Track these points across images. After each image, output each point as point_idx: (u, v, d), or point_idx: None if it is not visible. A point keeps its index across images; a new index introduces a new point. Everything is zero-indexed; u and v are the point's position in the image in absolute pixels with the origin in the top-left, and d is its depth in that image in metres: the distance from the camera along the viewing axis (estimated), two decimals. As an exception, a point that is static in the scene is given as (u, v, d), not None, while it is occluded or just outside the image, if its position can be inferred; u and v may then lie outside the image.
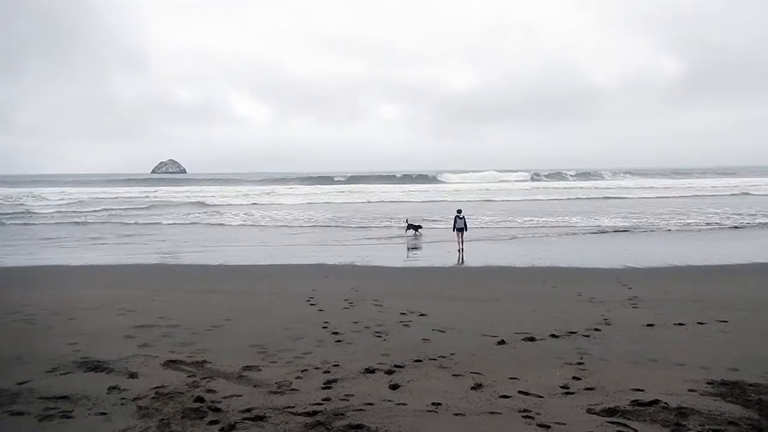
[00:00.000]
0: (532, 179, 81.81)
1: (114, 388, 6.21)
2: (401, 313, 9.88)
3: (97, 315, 10.13)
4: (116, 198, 52.26)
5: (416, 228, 24.19)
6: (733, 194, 45.89)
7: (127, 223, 31.15)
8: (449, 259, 17.68)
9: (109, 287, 13.04)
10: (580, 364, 6.97)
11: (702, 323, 8.94)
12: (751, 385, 6.07)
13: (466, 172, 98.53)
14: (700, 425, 5.06)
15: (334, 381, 6.38)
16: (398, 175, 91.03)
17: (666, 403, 5.54)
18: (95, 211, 39.42)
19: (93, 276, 15.42)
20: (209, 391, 6.10)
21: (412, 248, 20.72)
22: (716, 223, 26.74)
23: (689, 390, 5.94)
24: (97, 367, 6.96)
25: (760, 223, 26.39)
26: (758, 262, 15.85)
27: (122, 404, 5.76)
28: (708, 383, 6.15)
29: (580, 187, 60.48)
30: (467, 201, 43.65)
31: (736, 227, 25.28)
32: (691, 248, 19.67)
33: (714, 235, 23.30)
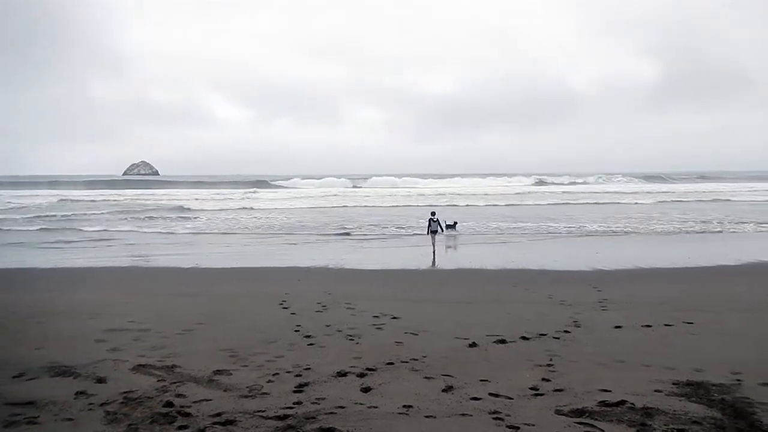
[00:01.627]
0: (537, 184, 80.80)
1: (81, 393, 6.09)
2: (374, 316, 9.89)
3: (66, 319, 9.92)
4: (83, 201, 51.20)
5: (452, 226, 25.34)
6: (700, 200, 46.94)
7: (89, 230, 30.53)
8: (423, 261, 17.77)
9: (80, 291, 12.80)
10: (549, 365, 7.06)
11: (669, 325, 9.13)
12: (714, 385, 6.22)
13: (452, 176, 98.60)
14: (664, 425, 5.17)
15: (306, 384, 6.36)
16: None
17: (632, 403, 5.65)
18: (65, 214, 38.59)
19: (63, 279, 15.10)
20: (179, 395, 6.02)
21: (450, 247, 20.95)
22: (685, 227, 27.37)
23: (655, 390, 6.06)
24: (64, 371, 6.81)
25: (725, 228, 27.10)
26: (723, 264, 16.28)
27: (90, 410, 5.66)
28: (673, 384, 6.28)
29: (564, 192, 61.08)
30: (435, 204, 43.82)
31: (703, 232, 25.93)
32: (660, 252, 20.12)
33: (681, 239, 23.87)
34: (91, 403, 5.81)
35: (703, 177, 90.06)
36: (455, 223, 25.96)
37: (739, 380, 6.34)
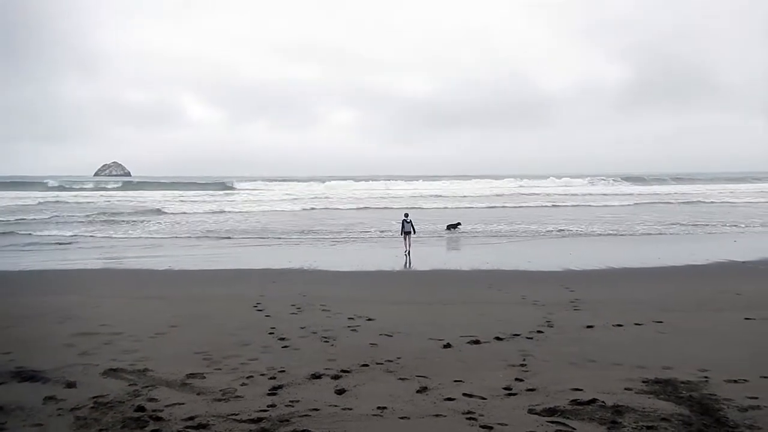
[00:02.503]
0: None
1: (50, 398, 5.97)
2: (349, 318, 9.89)
3: (34, 323, 9.70)
4: (51, 202, 50.04)
5: (455, 226, 26.28)
6: (668, 202, 47.73)
7: (57, 233, 29.90)
8: (398, 263, 17.84)
9: (48, 294, 12.51)
10: (522, 365, 7.15)
11: (639, 324, 9.32)
12: (682, 382, 6.37)
13: (434, 178, 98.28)
14: (634, 422, 5.28)
15: (280, 387, 6.33)
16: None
17: (603, 401, 5.76)
18: (34, 217, 37.69)
19: (30, 282, 14.76)
20: (151, 399, 5.94)
21: (453, 248, 20.92)
22: (654, 229, 27.93)
23: (625, 389, 6.18)
24: (32, 377, 6.66)
25: (695, 230, 27.75)
26: (691, 264, 16.68)
27: (59, 415, 5.55)
28: (643, 382, 6.42)
29: (549, 194, 61.29)
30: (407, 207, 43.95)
31: (674, 234, 26.50)
32: (631, 252, 20.49)
33: (653, 239, 24.35)
34: (60, 408, 5.70)
35: (677, 179, 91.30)
36: (458, 223, 26.94)
37: (706, 377, 6.51)
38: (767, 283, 13.63)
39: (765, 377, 6.50)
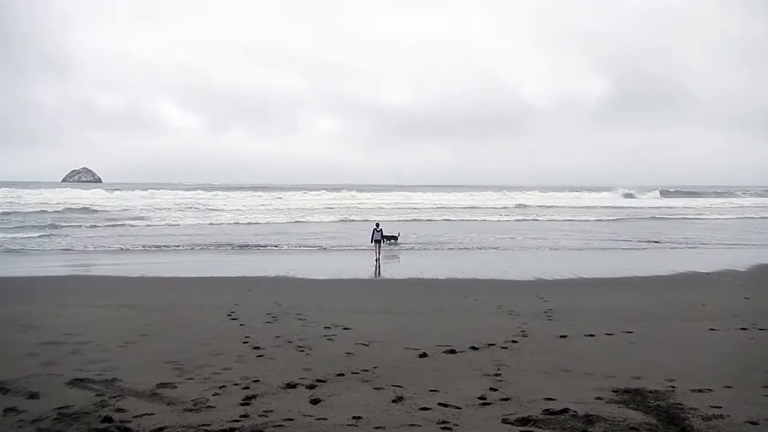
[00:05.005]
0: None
1: (11, 409, 5.77)
2: (325, 327, 9.82)
3: (-5, 331, 9.37)
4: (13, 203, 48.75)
5: (393, 238, 24.76)
6: (640, 218, 48.37)
7: (20, 236, 29.09)
8: (373, 272, 17.83)
9: (8, 302, 12.09)
10: (497, 375, 7.19)
11: (610, 334, 9.47)
12: (650, 392, 6.49)
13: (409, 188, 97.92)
14: (604, 431, 5.35)
15: (254, 397, 6.23)
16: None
17: (575, 411, 5.82)
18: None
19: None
20: (119, 410, 5.79)
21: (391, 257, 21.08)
22: (623, 241, 28.50)
23: (596, 398, 6.27)
24: (-8, 387, 6.42)
25: (663, 243, 28.40)
26: (659, 275, 17.05)
27: (20, 427, 5.37)
28: (613, 391, 6.52)
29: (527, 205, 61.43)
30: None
31: (645, 248, 27.07)
32: (602, 264, 20.88)
33: (625, 252, 24.86)
34: (21, 420, 5.51)
35: (663, 192, 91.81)
36: (396, 236, 25.63)
37: (673, 387, 6.64)
38: (731, 294, 13.98)
39: (728, 387, 6.66)
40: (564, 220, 41.84)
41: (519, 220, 41.69)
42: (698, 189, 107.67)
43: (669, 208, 58.83)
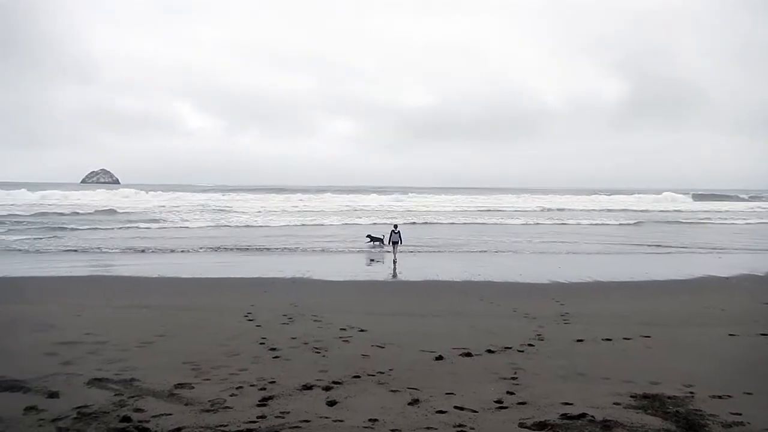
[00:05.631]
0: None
1: (31, 408, 5.84)
2: (341, 329, 9.83)
3: (13, 331, 9.51)
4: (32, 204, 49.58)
5: (379, 240, 24.95)
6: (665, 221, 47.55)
7: (41, 237, 29.50)
8: (389, 273, 17.84)
9: (28, 302, 12.29)
10: (514, 378, 7.15)
11: (627, 339, 9.37)
12: (669, 397, 6.40)
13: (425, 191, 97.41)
14: (623, 437, 5.30)
15: (270, 398, 6.26)
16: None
17: (592, 416, 5.77)
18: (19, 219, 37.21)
19: (9, 289, 14.47)
20: (137, 410, 5.85)
21: (375, 260, 21.21)
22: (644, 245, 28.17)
23: (614, 403, 6.20)
24: (12, 386, 6.51)
25: (677, 246, 28.05)
26: (677, 279, 16.83)
27: (40, 426, 5.43)
28: (631, 396, 6.44)
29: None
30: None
31: (664, 252, 26.75)
32: (619, 267, 20.66)
33: (643, 256, 24.58)
34: (41, 419, 5.58)
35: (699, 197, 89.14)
36: (381, 238, 25.49)
37: (692, 393, 6.55)
38: (750, 299, 13.76)
39: (749, 393, 6.55)
40: (590, 224, 40.84)
41: (537, 224, 41.41)
42: (723, 192, 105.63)
43: (692, 212, 57.78)
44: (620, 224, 41.53)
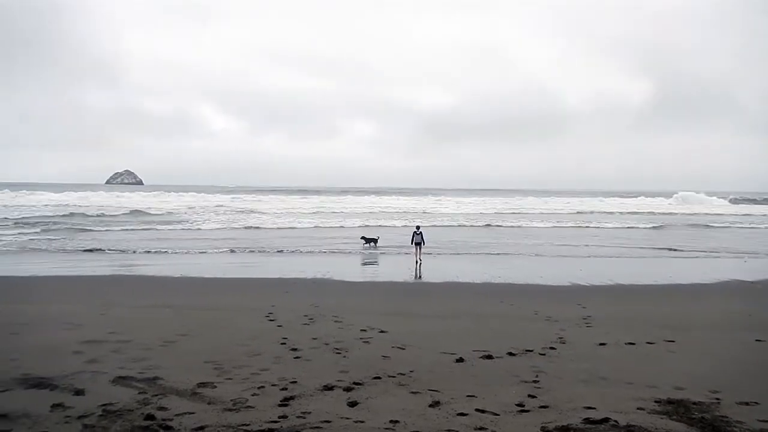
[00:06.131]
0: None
1: (58, 405, 5.94)
2: (361, 330, 9.85)
3: (40, 330, 9.68)
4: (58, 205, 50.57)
5: (373, 241, 25.57)
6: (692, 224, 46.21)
7: (66, 238, 30.04)
8: (410, 274, 17.84)
9: (55, 301, 12.53)
10: (535, 382, 7.08)
11: (651, 343, 9.22)
12: (695, 403, 6.28)
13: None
14: (647, 443, 5.21)
15: (292, 398, 6.28)
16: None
17: (616, 421, 5.68)
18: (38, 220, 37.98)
19: (37, 288, 14.79)
20: (161, 408, 5.91)
21: (370, 262, 21.04)
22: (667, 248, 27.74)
23: (638, 408, 6.10)
24: (39, 383, 6.63)
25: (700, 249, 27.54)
26: (701, 283, 16.53)
27: (66, 422, 5.52)
28: (655, 401, 6.33)
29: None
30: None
31: (683, 256, 26.31)
32: (641, 270, 20.35)
33: (662, 259, 24.20)
34: (68, 416, 5.66)
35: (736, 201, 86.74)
36: (376, 239, 26.13)
37: (717, 399, 6.42)
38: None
39: (777, 400, 6.40)
40: (614, 227, 40.02)
41: (558, 226, 41.01)
42: (759, 195, 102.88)
43: (717, 215, 56.48)
44: (652, 227, 40.57)
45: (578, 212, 57.10)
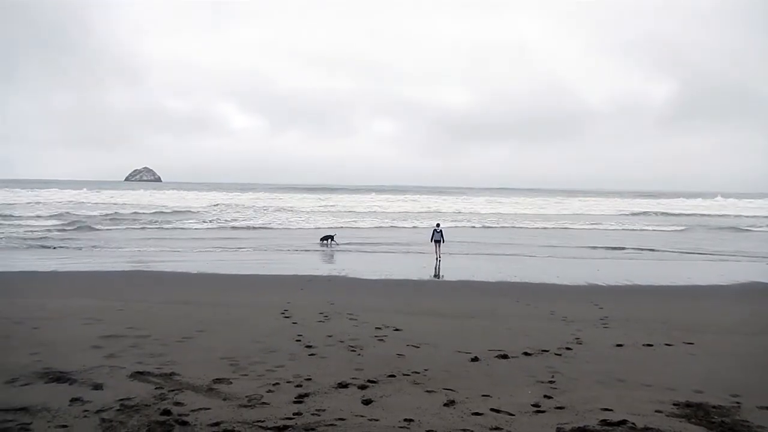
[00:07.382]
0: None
1: (77, 399, 6.03)
2: (376, 328, 9.85)
3: (61, 324, 9.81)
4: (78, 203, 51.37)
5: (330, 238, 25.75)
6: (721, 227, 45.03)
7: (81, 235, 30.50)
8: (426, 273, 17.80)
9: (75, 296, 12.70)
10: (551, 382, 7.01)
11: (669, 345, 9.09)
12: (714, 407, 6.17)
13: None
14: (666, 446, 5.14)
15: (306, 395, 6.30)
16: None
17: (633, 423, 5.61)
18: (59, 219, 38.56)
19: (57, 284, 15.02)
20: (177, 403, 5.96)
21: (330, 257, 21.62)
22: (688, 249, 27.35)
23: (656, 411, 6.02)
24: (59, 378, 6.73)
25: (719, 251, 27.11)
26: (720, 284, 16.25)
27: (85, 416, 5.59)
28: (674, 404, 6.24)
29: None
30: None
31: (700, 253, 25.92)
32: (660, 271, 20.08)
33: (681, 260, 23.85)
34: (86, 410, 5.74)
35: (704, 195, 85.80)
36: (332, 236, 26.19)
37: (738, 403, 6.30)
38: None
39: (800, 405, 6.26)
40: (652, 229, 38.95)
41: (578, 229, 40.63)
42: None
43: (749, 216, 55.00)
44: (682, 229, 39.60)
45: (602, 214, 55.07)
